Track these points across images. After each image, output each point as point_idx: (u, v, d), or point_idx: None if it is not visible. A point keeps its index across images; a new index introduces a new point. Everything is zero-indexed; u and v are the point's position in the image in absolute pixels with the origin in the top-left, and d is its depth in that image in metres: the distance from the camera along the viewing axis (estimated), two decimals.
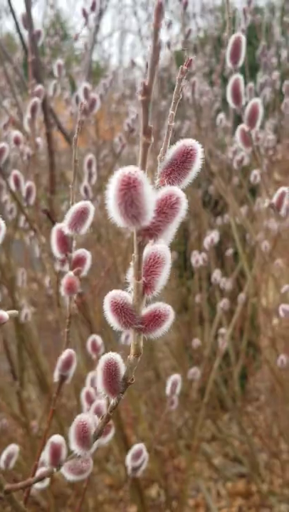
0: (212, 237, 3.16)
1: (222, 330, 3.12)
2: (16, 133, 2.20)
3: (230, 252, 3.98)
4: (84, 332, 2.98)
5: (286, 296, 2.70)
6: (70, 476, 1.02)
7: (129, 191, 0.55)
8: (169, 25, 3.82)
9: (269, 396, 4.14)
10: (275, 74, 3.94)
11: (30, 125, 2.15)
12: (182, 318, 4.55)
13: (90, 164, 2.28)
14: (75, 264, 1.27)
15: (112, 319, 0.72)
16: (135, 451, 1.40)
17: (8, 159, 3.28)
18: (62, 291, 1.25)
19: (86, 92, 2.46)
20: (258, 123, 1.52)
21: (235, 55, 1.50)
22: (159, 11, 0.53)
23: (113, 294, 0.72)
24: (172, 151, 0.72)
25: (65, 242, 1.24)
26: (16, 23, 2.46)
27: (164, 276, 0.71)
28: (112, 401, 0.85)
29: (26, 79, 2.31)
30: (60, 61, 2.83)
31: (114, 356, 0.81)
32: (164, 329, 0.74)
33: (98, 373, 0.81)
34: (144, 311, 0.73)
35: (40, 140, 2.38)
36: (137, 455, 1.40)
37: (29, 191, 2.08)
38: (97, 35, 3.23)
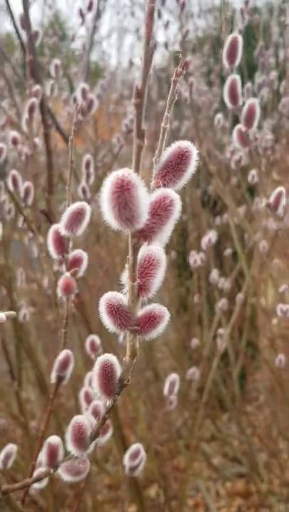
0: (210, 237, 3.16)
1: (221, 330, 3.12)
2: (13, 133, 2.20)
3: (229, 252, 3.98)
4: (83, 332, 2.98)
5: (284, 296, 2.70)
6: (67, 477, 1.02)
7: (123, 194, 0.56)
8: (167, 25, 3.82)
9: (268, 396, 4.15)
10: (273, 74, 3.94)
11: (28, 125, 2.15)
12: (181, 318, 4.56)
13: (87, 165, 2.28)
14: (72, 264, 1.27)
15: (107, 321, 0.73)
16: (133, 451, 1.40)
17: (7, 159, 3.28)
18: (59, 292, 1.25)
19: (84, 92, 2.46)
20: (255, 123, 1.52)
21: (231, 55, 1.50)
22: (151, 16, 0.53)
23: (108, 296, 0.72)
24: (167, 152, 0.72)
25: (61, 243, 1.24)
26: (14, 24, 2.46)
27: (158, 278, 0.71)
28: (108, 402, 0.85)
29: (25, 79, 2.31)
30: (57, 61, 2.83)
31: (110, 358, 0.81)
32: (159, 330, 0.74)
33: (94, 375, 0.81)
34: (140, 312, 0.74)
35: (39, 140, 2.39)
36: (135, 455, 1.40)
37: (27, 191, 2.08)
38: (95, 35, 3.23)
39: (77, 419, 0.94)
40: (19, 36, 2.53)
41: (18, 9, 2.40)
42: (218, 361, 3.08)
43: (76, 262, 1.26)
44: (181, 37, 3.39)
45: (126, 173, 0.56)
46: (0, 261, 3.00)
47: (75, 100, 2.85)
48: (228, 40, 1.49)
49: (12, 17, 2.49)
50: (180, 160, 0.71)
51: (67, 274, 1.24)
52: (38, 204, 2.26)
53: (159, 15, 3.90)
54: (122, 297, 0.72)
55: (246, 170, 3.17)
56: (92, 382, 0.83)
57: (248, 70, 3.82)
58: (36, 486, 1.18)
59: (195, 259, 3.31)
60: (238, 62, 1.51)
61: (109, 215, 0.58)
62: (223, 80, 1.51)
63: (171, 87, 0.73)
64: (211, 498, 3.72)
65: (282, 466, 3.62)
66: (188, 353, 4.30)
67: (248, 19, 3.02)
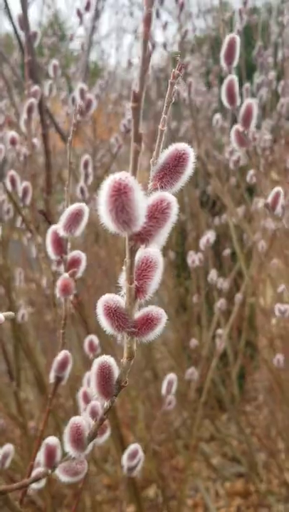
0: (208, 237, 3.17)
1: (220, 330, 3.13)
2: (12, 133, 2.20)
3: (227, 252, 3.98)
4: (81, 332, 2.98)
5: (283, 296, 2.71)
6: (64, 478, 1.02)
7: (120, 197, 0.56)
8: (165, 25, 3.82)
9: (267, 396, 4.15)
10: (272, 74, 3.95)
11: (26, 126, 2.15)
12: (180, 319, 4.56)
13: (86, 165, 2.28)
14: (71, 265, 1.27)
15: (105, 323, 0.73)
16: (131, 451, 1.40)
17: (6, 159, 3.28)
18: (58, 292, 1.26)
19: (82, 92, 2.46)
20: (253, 123, 1.52)
21: (229, 56, 1.50)
22: (148, 21, 0.53)
23: (106, 298, 0.72)
24: (165, 154, 0.72)
25: (60, 244, 1.24)
26: (13, 24, 2.46)
27: (156, 280, 0.71)
28: (106, 404, 0.85)
29: (24, 79, 2.31)
30: (55, 61, 2.83)
31: (108, 359, 0.81)
32: (156, 332, 0.74)
33: (92, 376, 0.82)
34: (137, 314, 0.74)
35: (37, 140, 2.39)
36: (133, 455, 1.40)
37: (25, 192, 2.08)
38: (93, 35, 3.23)
39: (75, 420, 0.94)
40: (18, 37, 2.53)
41: (16, 9, 2.39)
42: (217, 361, 3.08)
43: (75, 262, 1.27)
44: (180, 37, 3.40)
45: (123, 176, 0.56)
46: None
47: (73, 100, 2.86)
48: (225, 41, 1.49)
49: (11, 17, 2.49)
50: (177, 162, 0.71)
51: (66, 274, 1.24)
52: (36, 204, 2.27)
53: (158, 15, 3.90)
54: (120, 299, 0.72)
55: (245, 170, 3.17)
56: (90, 383, 0.83)
57: (247, 70, 3.82)
58: (34, 486, 1.18)
59: (193, 259, 3.31)
60: (236, 62, 1.51)
61: (106, 218, 0.59)
62: (221, 81, 1.52)
63: (169, 89, 0.73)
64: (210, 498, 3.72)
65: (281, 466, 3.63)
66: (187, 353, 4.30)
67: (246, 19, 3.02)
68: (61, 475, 1.03)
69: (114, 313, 0.72)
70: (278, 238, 2.71)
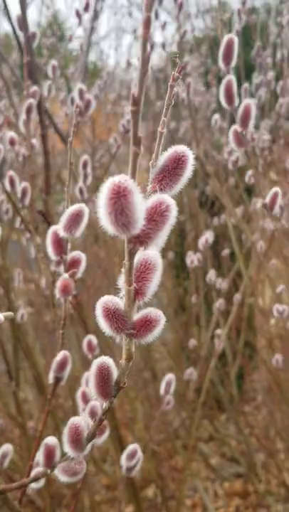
0: (206, 237, 3.17)
1: (218, 331, 3.13)
2: (11, 134, 2.20)
3: (226, 252, 3.98)
4: (80, 332, 2.98)
5: (281, 296, 2.71)
6: (63, 478, 1.02)
7: (119, 200, 0.56)
8: (164, 26, 3.82)
9: (266, 396, 4.15)
10: (271, 74, 3.95)
11: (25, 126, 2.16)
12: (179, 319, 4.56)
13: (85, 165, 2.29)
14: (70, 266, 1.27)
15: (104, 324, 0.73)
16: (130, 451, 1.41)
17: (5, 160, 3.28)
18: (57, 293, 1.26)
19: (81, 93, 2.47)
20: (251, 123, 1.52)
21: (227, 56, 1.50)
22: (148, 24, 0.53)
23: (105, 300, 0.73)
24: (164, 157, 0.72)
25: (60, 244, 1.24)
26: (12, 25, 2.46)
27: (155, 283, 0.71)
28: (105, 404, 0.85)
29: (23, 80, 2.31)
30: (54, 62, 2.83)
31: (107, 360, 0.82)
32: (155, 334, 0.74)
33: (91, 377, 0.82)
34: (136, 316, 0.74)
35: (36, 141, 2.39)
36: (132, 455, 1.40)
37: (24, 192, 2.08)
38: (92, 36, 3.23)
39: (73, 420, 0.94)
40: (17, 37, 2.54)
41: (15, 10, 2.40)
42: (215, 361, 3.09)
43: (75, 263, 1.27)
44: (178, 37, 3.40)
45: (122, 179, 0.56)
46: None
47: (72, 101, 2.86)
48: (224, 41, 1.50)
49: (9, 18, 2.50)
50: (176, 164, 0.71)
51: (66, 275, 1.25)
52: (35, 205, 2.27)
53: (156, 15, 3.91)
54: (119, 301, 0.73)
55: (244, 170, 3.18)
56: (89, 383, 0.84)
57: (246, 71, 3.82)
58: (33, 485, 1.19)
59: (192, 259, 3.31)
60: (234, 63, 1.52)
61: (105, 221, 0.59)
62: (220, 81, 1.52)
63: (168, 91, 0.73)
64: (208, 498, 3.73)
65: (279, 466, 3.63)
66: (186, 353, 4.30)
67: (245, 19, 3.02)
68: (60, 475, 1.03)
69: (113, 315, 0.72)
70: (277, 238, 2.71)
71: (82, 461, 1.01)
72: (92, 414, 1.18)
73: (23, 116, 2.14)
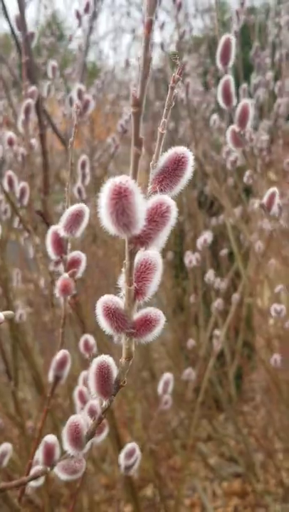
0: (205, 237, 3.17)
1: (217, 331, 3.13)
2: (9, 134, 2.21)
3: (224, 252, 3.98)
4: (79, 332, 2.99)
5: (280, 296, 2.71)
6: (63, 476, 1.03)
7: (121, 200, 0.57)
8: (162, 26, 3.83)
9: (264, 396, 4.16)
10: (269, 74, 3.95)
11: (24, 126, 2.16)
12: (178, 319, 4.56)
13: (83, 165, 2.29)
14: (70, 265, 1.28)
15: (104, 324, 0.73)
16: (128, 450, 1.41)
17: (4, 160, 3.28)
18: (57, 292, 1.26)
19: (80, 93, 2.47)
20: (249, 124, 1.53)
21: (225, 56, 1.51)
22: (149, 26, 0.54)
23: (105, 299, 0.73)
24: (164, 158, 0.73)
25: (60, 244, 1.25)
26: (10, 25, 2.46)
27: (155, 282, 0.72)
28: (104, 403, 0.86)
29: (21, 80, 2.31)
30: (54, 62, 2.83)
31: (107, 359, 0.82)
32: (155, 334, 0.75)
33: (90, 376, 0.82)
34: (136, 316, 0.75)
35: (35, 141, 2.39)
36: (130, 454, 1.41)
37: (23, 192, 2.09)
38: (91, 36, 3.23)
39: (73, 418, 0.95)
40: (15, 37, 2.54)
41: (14, 10, 2.39)
42: (214, 361, 3.09)
43: (74, 263, 1.27)
44: (177, 37, 3.40)
45: (123, 180, 0.57)
46: None
47: (70, 101, 2.86)
48: (221, 41, 1.50)
49: (8, 18, 2.50)
50: (176, 166, 0.72)
51: (66, 274, 1.25)
52: (33, 205, 2.27)
53: (156, 16, 3.90)
54: (119, 300, 0.73)
55: (242, 170, 3.18)
56: (89, 382, 0.84)
57: (244, 71, 3.83)
58: (33, 484, 1.19)
59: (190, 259, 3.32)
60: (231, 63, 1.52)
61: (106, 221, 0.59)
62: (219, 81, 1.52)
63: (169, 92, 0.74)
64: (207, 497, 3.73)
65: (278, 466, 3.63)
66: (184, 353, 4.30)
67: (244, 19, 3.03)
68: (60, 473, 1.03)
69: (114, 314, 0.72)
70: (275, 239, 2.72)
71: (82, 459, 1.02)
72: (92, 413, 1.18)
73: (21, 117, 2.14)
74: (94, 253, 3.91)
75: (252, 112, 1.53)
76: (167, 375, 2.03)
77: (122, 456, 1.42)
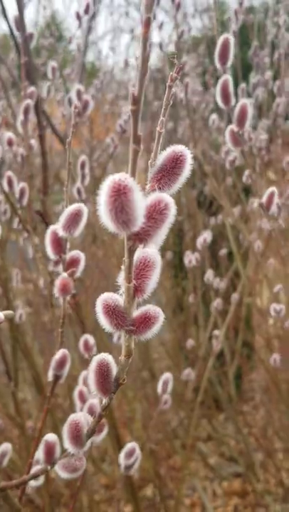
0: (205, 237, 3.17)
1: (216, 332, 3.13)
2: (9, 134, 2.21)
3: (224, 251, 3.99)
4: (78, 332, 2.99)
5: (279, 295, 2.71)
6: (64, 474, 1.03)
7: (120, 198, 0.57)
8: (161, 26, 3.83)
9: (264, 396, 4.16)
10: (268, 74, 3.95)
11: (23, 127, 2.16)
12: (177, 319, 4.56)
13: (82, 166, 2.29)
14: (69, 265, 1.28)
15: (103, 321, 0.74)
16: (128, 449, 1.41)
17: (4, 160, 3.28)
18: (56, 292, 1.26)
19: (79, 93, 2.47)
20: (248, 123, 1.53)
21: (223, 56, 1.51)
22: (148, 25, 0.54)
23: (105, 297, 0.73)
24: (162, 156, 0.73)
25: (59, 244, 1.25)
26: (9, 25, 2.46)
27: (154, 280, 0.72)
28: (104, 401, 0.86)
29: (20, 80, 2.31)
30: (53, 63, 2.84)
31: (107, 357, 0.82)
32: (154, 331, 0.75)
33: (90, 374, 0.83)
34: (135, 313, 0.75)
35: (34, 142, 2.40)
36: (130, 453, 1.41)
37: (22, 192, 2.09)
38: (89, 36, 3.23)
39: (73, 416, 0.95)
40: (14, 38, 2.54)
41: (13, 10, 2.40)
42: (213, 361, 3.09)
43: (73, 262, 1.27)
44: (176, 37, 3.40)
45: (122, 177, 0.57)
46: None
47: (69, 101, 2.86)
48: (219, 41, 1.50)
49: (7, 18, 2.50)
50: (175, 164, 0.72)
51: (65, 274, 1.25)
52: (33, 205, 2.27)
53: (154, 16, 3.90)
54: (118, 298, 0.74)
55: (241, 170, 3.18)
56: (89, 380, 0.84)
57: (243, 70, 3.83)
58: (33, 483, 1.19)
59: (190, 259, 3.32)
60: (230, 63, 1.52)
61: (106, 218, 0.60)
62: (218, 81, 1.53)
63: (167, 92, 0.74)
64: (207, 497, 3.73)
65: (278, 465, 3.64)
66: (184, 353, 4.31)
67: (243, 19, 3.03)
68: (60, 471, 1.04)
69: (113, 312, 0.73)
70: (274, 238, 2.72)
71: (82, 458, 1.02)
72: (91, 411, 1.19)
73: (20, 117, 2.14)
74: (93, 253, 3.92)
75: (251, 112, 1.53)
76: (167, 375, 2.03)
77: (122, 455, 1.42)
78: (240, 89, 3.16)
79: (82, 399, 1.40)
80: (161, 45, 3.86)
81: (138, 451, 1.42)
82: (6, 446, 1.42)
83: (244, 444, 3.82)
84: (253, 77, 4.05)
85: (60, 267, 1.28)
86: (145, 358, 4.25)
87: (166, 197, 0.67)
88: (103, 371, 0.82)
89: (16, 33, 2.39)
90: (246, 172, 2.66)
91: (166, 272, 4.66)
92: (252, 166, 1.87)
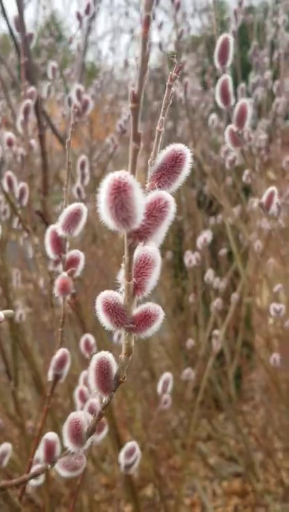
0: (205, 236, 3.18)
1: (216, 332, 3.13)
2: (8, 134, 2.21)
3: (223, 251, 3.99)
4: (78, 332, 2.99)
5: (279, 295, 2.71)
6: (64, 473, 1.03)
7: (120, 195, 0.57)
8: (160, 25, 3.83)
9: (263, 395, 4.16)
10: (268, 74, 3.96)
11: (23, 127, 2.16)
12: (177, 318, 4.57)
13: (82, 166, 2.29)
14: (69, 264, 1.28)
15: (104, 319, 0.74)
16: (128, 448, 1.41)
17: (4, 160, 3.28)
18: (56, 291, 1.26)
19: (79, 93, 2.47)
20: (247, 123, 1.53)
21: (223, 56, 1.51)
22: (147, 23, 0.54)
23: (105, 295, 0.74)
24: (162, 155, 0.73)
25: (59, 243, 1.25)
26: (9, 26, 2.46)
27: (154, 278, 0.72)
28: (105, 399, 0.86)
29: (20, 80, 2.31)
30: (53, 63, 2.84)
31: (107, 355, 0.83)
32: (154, 329, 0.75)
33: (91, 372, 0.83)
34: (135, 311, 0.75)
35: (34, 142, 2.40)
36: (130, 453, 1.41)
37: (22, 192, 2.09)
38: (89, 36, 3.23)
39: (74, 415, 0.95)
40: (14, 38, 2.54)
41: (13, 10, 2.40)
42: (213, 361, 3.09)
43: (73, 261, 1.28)
44: (175, 37, 3.40)
45: (122, 175, 0.57)
46: None
47: (69, 101, 2.86)
48: (219, 41, 1.50)
49: (6, 19, 2.50)
50: (174, 163, 0.72)
51: (64, 273, 1.25)
52: (33, 205, 2.28)
53: (154, 16, 3.91)
54: (119, 296, 0.74)
55: (241, 170, 3.18)
56: (89, 379, 0.84)
57: (243, 70, 3.83)
58: (33, 483, 1.19)
59: (190, 259, 3.32)
60: (229, 62, 1.52)
61: (106, 216, 0.60)
62: (217, 80, 1.53)
63: (166, 91, 0.74)
64: (207, 497, 3.73)
65: (277, 465, 3.64)
66: (184, 352, 4.31)
67: (242, 19, 3.03)
68: (60, 470, 1.04)
69: (113, 309, 0.73)
70: (274, 238, 2.72)
71: (82, 456, 1.02)
72: (91, 410, 1.19)
73: (20, 117, 2.14)
74: (93, 253, 3.92)
75: (250, 112, 1.53)
76: (167, 375, 2.03)
77: (121, 455, 1.42)
78: (240, 89, 3.17)
79: (83, 398, 1.41)
80: (160, 45, 3.86)
81: (138, 451, 1.42)
82: (6, 446, 1.42)
83: (244, 444, 3.82)
84: (253, 77, 4.05)
85: (60, 267, 1.28)
86: (145, 358, 4.26)
87: (166, 195, 0.68)
88: (103, 369, 0.82)
89: (16, 33, 2.39)
90: (246, 172, 2.66)
91: (166, 271, 4.67)
92: (252, 166, 1.87)
